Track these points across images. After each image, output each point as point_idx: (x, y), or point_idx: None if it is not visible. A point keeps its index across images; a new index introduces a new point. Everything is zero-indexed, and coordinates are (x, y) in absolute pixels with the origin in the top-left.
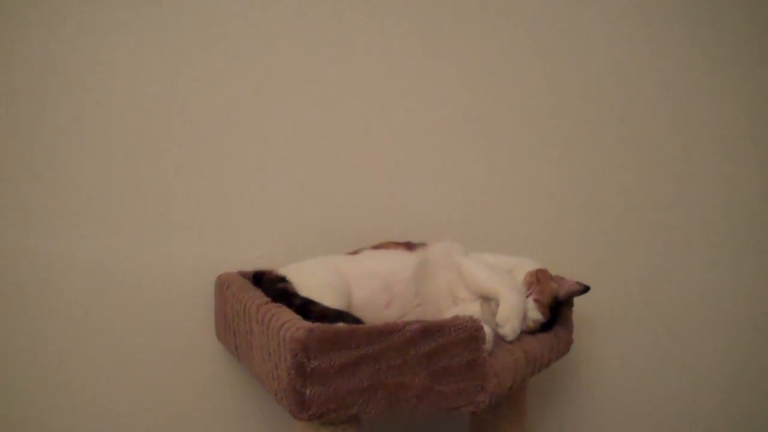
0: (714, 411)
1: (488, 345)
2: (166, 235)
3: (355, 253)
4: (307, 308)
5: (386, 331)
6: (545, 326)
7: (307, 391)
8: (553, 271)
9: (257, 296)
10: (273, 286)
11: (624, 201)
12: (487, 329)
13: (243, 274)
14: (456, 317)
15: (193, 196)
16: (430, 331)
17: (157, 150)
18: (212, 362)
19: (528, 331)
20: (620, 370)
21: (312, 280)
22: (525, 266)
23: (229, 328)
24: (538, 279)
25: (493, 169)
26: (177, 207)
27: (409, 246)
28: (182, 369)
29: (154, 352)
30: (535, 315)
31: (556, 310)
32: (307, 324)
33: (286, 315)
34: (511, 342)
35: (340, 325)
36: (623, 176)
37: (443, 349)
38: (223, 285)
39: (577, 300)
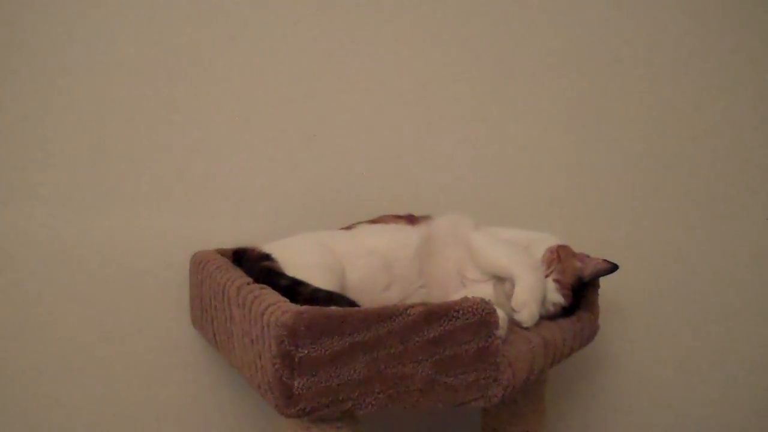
0: (760, 409)
1: (502, 331)
2: (134, 209)
3: (349, 228)
4: (294, 289)
5: (385, 315)
6: (567, 310)
7: (296, 384)
8: (576, 247)
9: (238, 276)
10: (256, 264)
11: (656, 167)
12: (500, 313)
13: (222, 252)
14: (465, 299)
15: (165, 165)
16: (435, 314)
17: (126, 113)
18: (187, 352)
19: (547, 316)
20: (652, 361)
21: (300, 258)
22: (544, 242)
23: (206, 314)
24: (559, 256)
25: (506, 130)
26: (147, 177)
27: (411, 219)
28: (153, 359)
29: (120, 340)
30: (556, 297)
31: (580, 292)
32: (295, 307)
33: (270, 297)
34: (528, 328)
35: (333, 308)
36: (654, 139)
37: (450, 335)
38: (198, 264)
39: (603, 281)
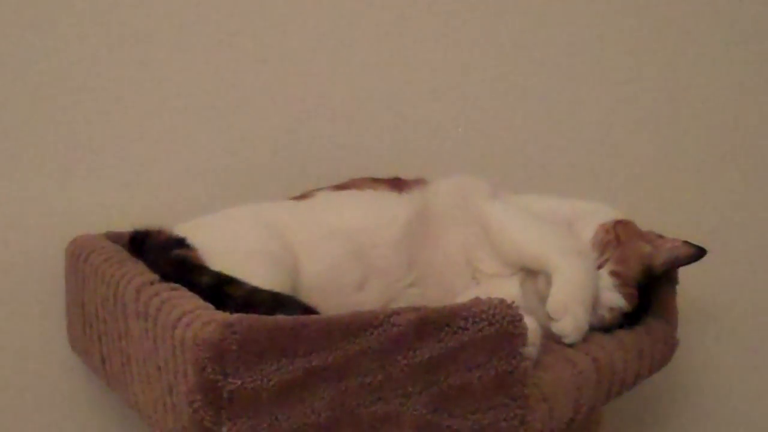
0: None
1: (533, 348)
2: None
3: (305, 197)
4: (222, 290)
5: (357, 327)
6: (630, 318)
7: (224, 431)
8: (642, 224)
9: (137, 272)
10: (165, 254)
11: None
12: (530, 322)
13: (113, 237)
14: (477, 300)
15: (27, 115)
16: (431, 324)
17: None
18: (62, 386)
19: (601, 327)
20: (754, 391)
21: (231, 244)
22: (595, 216)
23: (90, 330)
24: (618, 237)
25: (532, 60)
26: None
27: (397, 184)
28: (12, 401)
29: None
30: (614, 299)
31: (649, 290)
32: (224, 315)
33: (186, 302)
34: (572, 344)
35: (279, 317)
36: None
37: (455, 355)
38: (78, 255)
39: (684, 277)
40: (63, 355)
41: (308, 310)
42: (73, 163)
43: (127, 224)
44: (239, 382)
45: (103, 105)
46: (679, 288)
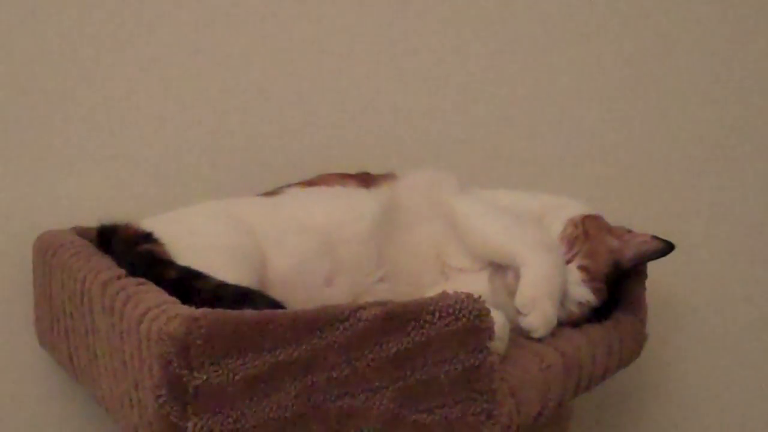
0: None
1: (500, 343)
2: None
3: (273, 193)
4: (189, 284)
5: (324, 321)
6: (599, 312)
7: (190, 426)
8: (611, 219)
9: (104, 267)
10: (131, 249)
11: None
12: (498, 316)
13: (81, 232)
14: (444, 294)
15: None
16: (398, 318)
17: None
18: (31, 381)
19: (570, 321)
20: (722, 386)
21: (198, 239)
22: (564, 211)
23: (58, 325)
24: (587, 232)
25: (505, 54)
26: None
27: (366, 180)
28: None
29: None
30: (582, 293)
31: (618, 284)
32: (189, 310)
33: (152, 297)
34: (540, 339)
35: (246, 311)
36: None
37: (422, 349)
38: (46, 250)
39: (653, 270)
40: (31, 350)
41: (275, 304)
42: (41, 158)
43: (95, 219)
44: (205, 377)
45: (71, 99)
46: (648, 282)
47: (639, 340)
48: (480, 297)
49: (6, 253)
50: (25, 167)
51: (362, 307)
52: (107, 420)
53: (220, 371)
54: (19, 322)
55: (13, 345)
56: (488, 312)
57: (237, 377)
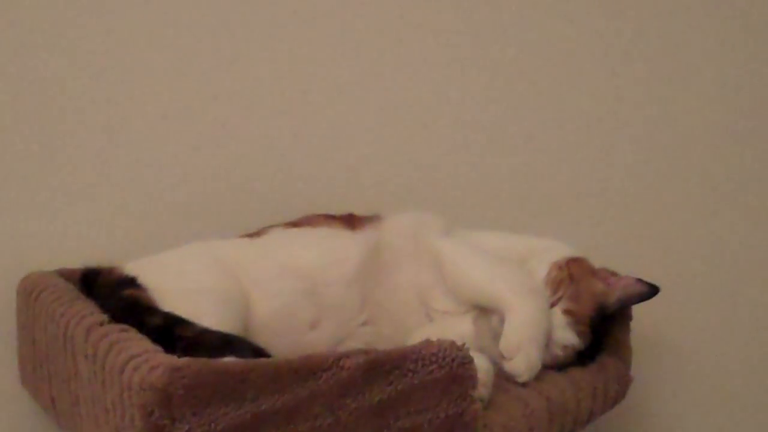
0: None
1: (485, 390)
2: None
3: (257, 234)
4: (172, 331)
5: (306, 370)
6: (584, 355)
7: None
8: (596, 261)
9: (88, 312)
10: (115, 293)
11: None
12: (482, 361)
13: (65, 275)
14: (426, 342)
15: None
16: (381, 367)
17: None
18: (13, 423)
19: (554, 365)
20: (709, 427)
21: (181, 283)
22: (549, 254)
23: (41, 369)
24: (572, 275)
25: (491, 92)
26: None
27: (351, 221)
28: None
29: None
30: (566, 337)
31: (602, 328)
32: (171, 359)
33: (134, 345)
34: (524, 384)
35: (229, 359)
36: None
37: (405, 398)
38: (29, 294)
39: (638, 313)
40: (15, 392)
41: (259, 351)
42: (25, 199)
43: (81, 260)
44: (187, 428)
45: (57, 140)
46: (633, 325)
47: (624, 383)
48: (464, 344)
49: None
50: (10, 207)
51: (345, 356)
52: None
53: (203, 421)
54: (3, 364)
55: None
56: (472, 360)
57: (219, 427)
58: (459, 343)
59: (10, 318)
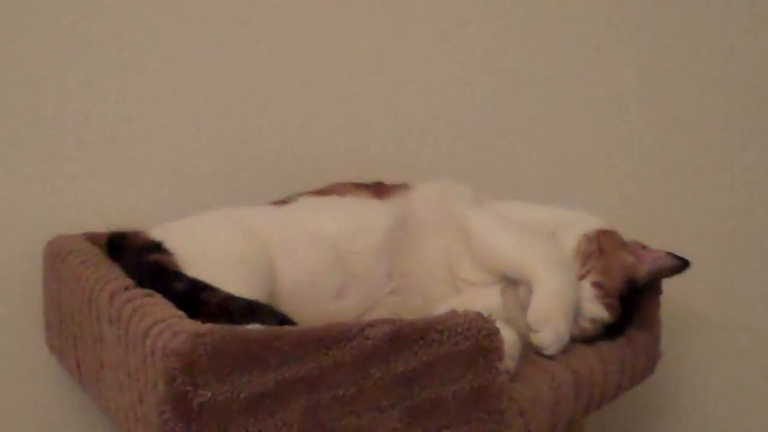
0: None
1: (511, 362)
2: None
3: (284, 202)
4: (196, 297)
5: (330, 339)
6: (612, 329)
7: None
8: (626, 234)
9: (113, 276)
10: (140, 258)
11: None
12: (509, 333)
13: (92, 238)
14: (452, 313)
15: (7, 118)
16: (406, 337)
17: None
18: (40, 390)
19: (582, 338)
20: (738, 404)
21: (208, 249)
22: (579, 225)
23: (66, 332)
24: (602, 247)
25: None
26: None
27: (379, 190)
28: None
29: None
30: (595, 310)
31: (632, 301)
32: (194, 325)
33: (158, 310)
34: (551, 356)
35: (254, 326)
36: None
37: (429, 369)
38: (56, 257)
39: (668, 287)
40: (41, 357)
41: (283, 319)
42: (53, 163)
43: (107, 224)
44: (209, 394)
45: (83, 105)
46: (663, 299)
47: (653, 357)
48: (490, 316)
49: (18, 257)
50: (37, 171)
51: (370, 325)
52: (113, 430)
53: (226, 388)
54: (31, 329)
55: (23, 350)
56: (498, 331)
57: (242, 394)
58: (485, 314)
59: (36, 283)
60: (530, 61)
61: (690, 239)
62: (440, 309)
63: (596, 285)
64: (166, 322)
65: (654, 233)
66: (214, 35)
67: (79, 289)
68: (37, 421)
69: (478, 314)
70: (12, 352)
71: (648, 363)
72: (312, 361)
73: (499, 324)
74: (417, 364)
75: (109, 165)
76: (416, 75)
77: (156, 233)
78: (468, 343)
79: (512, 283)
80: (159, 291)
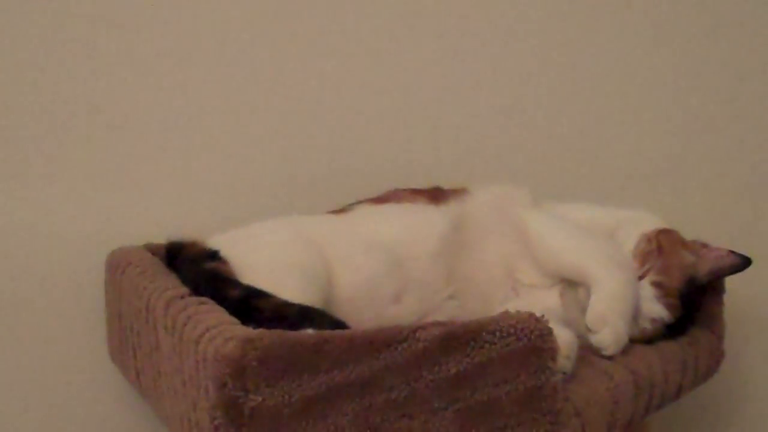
0: None
1: (568, 362)
2: (27, 188)
3: (343, 211)
4: (251, 304)
5: (381, 342)
6: (673, 329)
7: None
8: (686, 233)
9: (170, 286)
10: (197, 266)
11: None
12: (566, 334)
13: (152, 249)
14: (505, 314)
15: (70, 130)
16: (457, 339)
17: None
18: (103, 399)
19: (643, 338)
20: None
21: (264, 257)
22: (638, 225)
23: (127, 342)
24: (661, 247)
25: (577, 67)
26: (44, 145)
27: (436, 195)
28: (55, 412)
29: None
30: (655, 310)
31: (693, 301)
32: (245, 331)
33: (211, 317)
34: (610, 357)
35: (303, 332)
36: None
37: (482, 370)
38: (116, 267)
39: (731, 285)
40: (105, 366)
41: (337, 324)
42: (115, 175)
43: (168, 236)
44: (260, 399)
45: (145, 117)
46: (727, 298)
47: (716, 357)
48: (543, 316)
49: (82, 268)
50: (99, 184)
51: (421, 328)
52: None
53: (276, 393)
54: (94, 339)
55: (88, 361)
56: (551, 331)
57: (293, 399)
58: (538, 314)
59: (100, 293)
60: (586, 65)
61: (754, 236)
62: (498, 312)
63: (656, 284)
64: (218, 329)
65: (718, 233)
66: (270, 44)
67: (137, 299)
68: (99, 430)
69: (531, 314)
70: (76, 362)
71: (711, 363)
72: (363, 364)
73: (553, 324)
74: (469, 366)
75: (170, 177)
76: (476, 80)
77: (213, 242)
78: (521, 344)
79: (571, 285)
80: (215, 299)
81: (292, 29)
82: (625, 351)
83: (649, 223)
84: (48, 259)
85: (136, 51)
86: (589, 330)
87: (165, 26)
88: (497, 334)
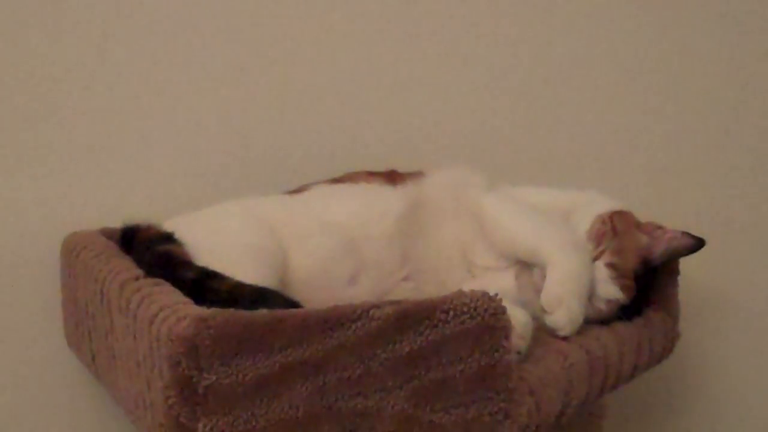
0: None
1: (523, 342)
2: None
3: (298, 191)
4: (205, 285)
5: (335, 320)
6: (628, 310)
7: (200, 427)
8: (641, 215)
9: (124, 268)
10: (152, 249)
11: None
12: (521, 315)
13: (107, 233)
14: (458, 293)
15: (25, 115)
16: (411, 317)
17: None
18: (59, 384)
19: (599, 319)
20: (756, 383)
21: (219, 238)
22: (592, 207)
23: (82, 326)
24: (615, 228)
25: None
26: None
27: (392, 177)
28: (11, 396)
29: None
30: (610, 290)
31: (647, 282)
32: (198, 310)
33: (165, 297)
34: (566, 338)
35: (256, 311)
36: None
37: (436, 349)
38: (71, 251)
39: (685, 267)
40: (61, 352)
41: (292, 304)
42: (70, 160)
43: (119, 219)
44: (214, 378)
45: (99, 103)
46: (682, 280)
47: (671, 338)
48: (496, 295)
49: (37, 254)
50: (53, 170)
51: (375, 306)
52: (127, 421)
53: (230, 372)
54: (50, 324)
55: (43, 345)
56: (504, 310)
57: (247, 378)
58: (491, 293)
59: (55, 277)
60: (546, 48)
61: (706, 218)
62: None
63: (610, 266)
64: (172, 308)
65: (672, 215)
66: (224, 32)
67: (92, 281)
68: (55, 415)
69: (485, 293)
70: (32, 347)
71: (666, 344)
72: (317, 343)
73: (508, 305)
74: (423, 344)
75: (125, 162)
76: (430, 64)
77: (168, 225)
78: (474, 322)
79: (527, 266)
80: (169, 281)
81: (248, 10)
82: (580, 331)
83: (604, 204)
84: (2, 244)
85: (90, 37)
86: (544, 311)
87: (118, 10)
88: (451, 312)
